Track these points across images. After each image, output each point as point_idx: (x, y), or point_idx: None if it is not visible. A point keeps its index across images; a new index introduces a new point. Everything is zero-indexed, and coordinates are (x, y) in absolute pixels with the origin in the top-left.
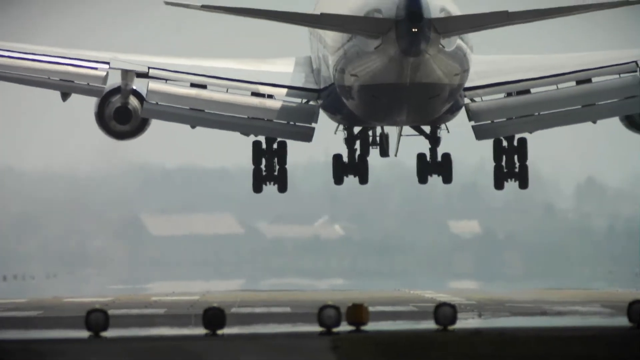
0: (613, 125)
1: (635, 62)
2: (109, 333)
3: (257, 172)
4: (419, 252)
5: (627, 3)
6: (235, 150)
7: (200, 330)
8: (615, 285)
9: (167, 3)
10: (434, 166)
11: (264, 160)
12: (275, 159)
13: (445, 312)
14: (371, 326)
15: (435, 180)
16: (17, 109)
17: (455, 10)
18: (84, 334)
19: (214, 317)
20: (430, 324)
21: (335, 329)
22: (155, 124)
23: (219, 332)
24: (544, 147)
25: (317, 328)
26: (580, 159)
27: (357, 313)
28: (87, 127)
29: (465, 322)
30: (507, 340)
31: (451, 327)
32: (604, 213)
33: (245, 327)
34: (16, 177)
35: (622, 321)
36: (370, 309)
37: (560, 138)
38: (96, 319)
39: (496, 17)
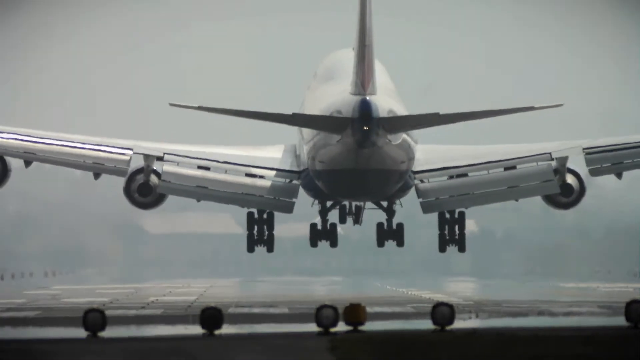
0: (612, 125)
1: (550, 153)
2: (107, 333)
3: (250, 236)
4: (416, 252)
5: (533, 108)
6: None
7: (198, 330)
8: (613, 285)
9: (171, 105)
10: (390, 233)
11: (256, 227)
12: (265, 226)
13: (442, 312)
14: (369, 326)
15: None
16: (16, 109)
17: (402, 111)
18: (82, 333)
19: (211, 317)
20: (427, 324)
21: (332, 329)
22: (155, 122)
23: (217, 332)
24: None
25: (314, 328)
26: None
27: (355, 313)
28: (86, 127)
29: (463, 322)
30: (505, 340)
31: (449, 327)
32: (603, 213)
33: (243, 327)
34: (15, 176)
35: (620, 321)
36: (368, 309)
37: (559, 137)
38: (94, 319)
39: (430, 117)
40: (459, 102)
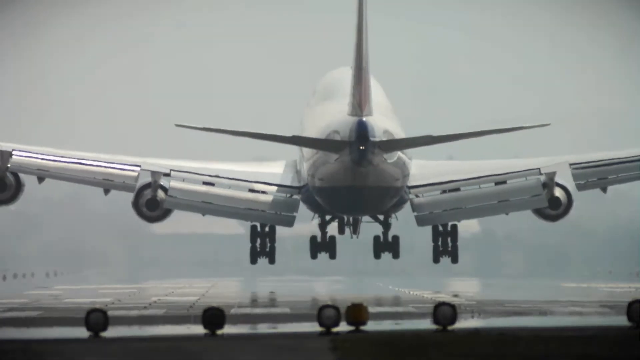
0: (612, 125)
1: (539, 168)
2: (109, 333)
3: (253, 248)
4: (418, 252)
5: (522, 128)
6: (235, 152)
7: (200, 331)
8: (614, 285)
9: (177, 125)
10: (386, 245)
11: (258, 240)
12: (267, 239)
13: (444, 312)
14: (371, 326)
15: None
16: (17, 109)
17: (397, 131)
18: (84, 334)
19: (213, 317)
20: (429, 324)
21: (334, 329)
22: (156, 122)
23: (219, 332)
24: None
25: (316, 328)
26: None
27: (357, 313)
28: (86, 127)
29: (465, 322)
30: (507, 340)
31: (451, 327)
32: (604, 213)
33: (245, 327)
34: None
35: (622, 321)
36: (370, 309)
37: (559, 137)
38: (96, 319)
39: (424, 139)
40: (458, 104)
